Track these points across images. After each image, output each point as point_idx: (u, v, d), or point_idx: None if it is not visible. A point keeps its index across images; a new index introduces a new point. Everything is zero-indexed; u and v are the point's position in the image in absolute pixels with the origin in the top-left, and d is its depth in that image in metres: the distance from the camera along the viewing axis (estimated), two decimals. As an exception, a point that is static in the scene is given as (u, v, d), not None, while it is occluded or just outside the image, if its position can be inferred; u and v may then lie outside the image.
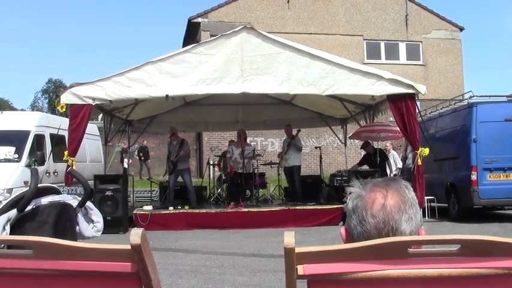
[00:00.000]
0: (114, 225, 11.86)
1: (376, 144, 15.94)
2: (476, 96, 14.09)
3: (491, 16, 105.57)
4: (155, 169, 26.58)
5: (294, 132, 15.37)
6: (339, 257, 1.43)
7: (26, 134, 13.56)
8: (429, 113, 16.79)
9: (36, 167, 11.87)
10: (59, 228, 3.21)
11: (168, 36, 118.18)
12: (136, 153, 27.98)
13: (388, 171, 15.80)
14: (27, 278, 1.58)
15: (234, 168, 14.65)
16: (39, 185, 3.24)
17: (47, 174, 13.70)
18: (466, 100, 14.49)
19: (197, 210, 13.52)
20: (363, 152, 17.12)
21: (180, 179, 14.86)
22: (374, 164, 14.76)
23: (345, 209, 1.69)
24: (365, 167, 15.45)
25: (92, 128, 17.19)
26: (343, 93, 12.99)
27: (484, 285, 1.44)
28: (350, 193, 1.68)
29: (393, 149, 18.65)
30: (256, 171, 16.04)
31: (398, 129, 13.33)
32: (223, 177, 16.44)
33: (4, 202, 3.20)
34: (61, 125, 13.34)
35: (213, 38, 13.38)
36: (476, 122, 13.20)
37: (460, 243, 1.40)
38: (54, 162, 14.06)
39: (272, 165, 17.82)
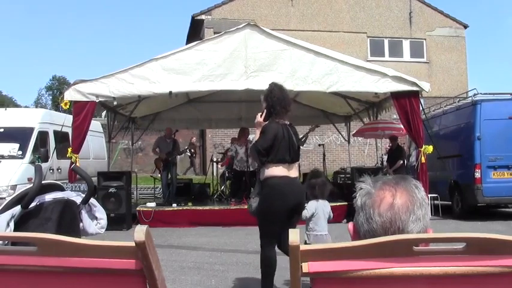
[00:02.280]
0: (118, 222, 11.88)
1: (379, 142, 15.93)
2: (481, 93, 14.06)
3: (496, 14, 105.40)
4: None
5: (305, 129, 15.24)
6: (343, 255, 1.43)
7: (29, 130, 13.57)
8: (433, 111, 16.76)
9: (39, 163, 11.88)
10: (63, 225, 3.21)
11: (171, 33, 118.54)
12: (188, 150, 27.94)
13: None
14: (31, 274, 1.58)
15: (236, 167, 14.68)
16: (42, 182, 3.24)
17: (51, 171, 13.70)
18: (470, 98, 14.48)
19: (200, 207, 13.52)
20: (366, 150, 17.16)
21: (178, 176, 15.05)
22: (393, 158, 14.88)
23: (354, 204, 1.69)
24: (368, 165, 15.45)
25: (96, 125, 17.19)
26: (347, 90, 12.98)
27: (489, 284, 1.44)
28: (360, 189, 1.67)
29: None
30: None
31: (402, 126, 13.31)
32: (227, 175, 16.43)
33: (8, 199, 3.20)
34: (65, 121, 13.36)
35: (216, 35, 13.37)
36: (480, 119, 13.18)
37: (466, 242, 1.39)
38: (57, 159, 14.06)
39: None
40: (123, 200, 12.60)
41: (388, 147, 16.16)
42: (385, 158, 18.32)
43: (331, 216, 6.38)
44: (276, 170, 5.61)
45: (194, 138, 27.64)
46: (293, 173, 5.77)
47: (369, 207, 1.61)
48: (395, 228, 1.56)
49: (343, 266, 1.43)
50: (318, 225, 6.09)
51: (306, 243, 5.99)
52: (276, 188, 5.61)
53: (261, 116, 5.80)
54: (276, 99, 5.79)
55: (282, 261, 7.32)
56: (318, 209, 6.08)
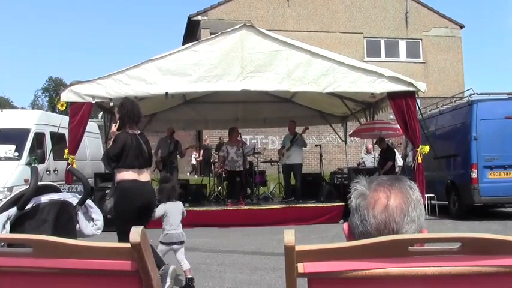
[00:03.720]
0: (115, 223, 11.83)
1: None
2: (477, 93, 14.04)
3: (492, 14, 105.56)
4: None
5: (300, 130, 15.24)
6: (339, 255, 1.43)
7: (26, 132, 13.54)
8: (429, 111, 16.77)
9: (36, 165, 11.86)
10: (59, 227, 3.21)
11: (167, 34, 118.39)
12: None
13: (397, 169, 15.85)
14: (27, 276, 1.58)
15: (227, 167, 14.63)
16: (39, 183, 3.24)
17: (47, 172, 13.68)
18: (467, 98, 14.46)
19: (197, 208, 13.49)
20: (363, 150, 17.23)
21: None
22: (384, 160, 14.87)
23: (349, 205, 1.68)
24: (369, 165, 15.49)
25: (92, 126, 17.17)
26: (343, 90, 12.98)
27: (484, 284, 1.44)
28: (355, 189, 1.66)
29: (393, 147, 18.72)
30: (256, 169, 16.04)
31: (399, 126, 13.33)
32: (224, 175, 16.42)
33: (4, 200, 3.20)
34: (61, 123, 13.34)
35: (212, 35, 13.37)
36: (477, 119, 13.18)
37: (461, 242, 1.39)
38: (54, 160, 14.03)
39: (272, 163, 17.81)
40: (120, 201, 12.56)
41: (380, 151, 16.14)
42: (365, 158, 18.39)
43: (185, 215, 7.02)
44: (126, 175, 6.23)
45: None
46: (144, 177, 6.38)
47: (363, 209, 1.60)
48: (390, 230, 1.55)
49: (338, 266, 1.43)
50: (169, 224, 6.70)
51: (160, 241, 6.67)
52: (126, 190, 6.25)
53: (114, 126, 6.63)
54: (126, 112, 6.49)
55: (280, 262, 7.32)
56: (168, 210, 6.70)
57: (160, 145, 15.02)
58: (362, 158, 18.71)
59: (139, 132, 6.66)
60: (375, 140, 16.75)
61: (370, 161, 17.83)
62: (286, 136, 15.60)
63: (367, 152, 18.88)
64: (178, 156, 15.40)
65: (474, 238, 1.38)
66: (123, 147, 6.27)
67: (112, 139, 6.54)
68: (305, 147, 15.36)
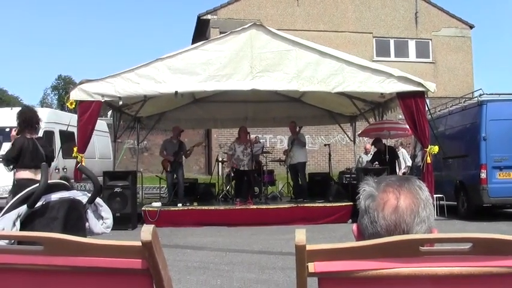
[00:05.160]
0: (123, 221, 11.85)
1: (385, 142, 15.90)
2: (486, 94, 14.00)
3: (502, 14, 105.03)
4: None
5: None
6: (350, 255, 1.42)
7: (35, 130, 13.58)
8: (438, 111, 16.72)
9: (45, 163, 11.91)
10: (69, 225, 3.22)
11: (177, 33, 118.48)
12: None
13: (397, 169, 15.74)
14: (37, 274, 1.59)
15: (236, 166, 14.67)
16: (48, 181, 3.25)
17: (56, 170, 13.72)
18: (476, 98, 14.41)
19: (206, 207, 13.51)
20: (372, 150, 17.17)
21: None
22: (383, 161, 14.73)
23: (358, 206, 1.67)
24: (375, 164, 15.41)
25: (101, 124, 17.20)
26: (352, 90, 12.97)
27: (495, 284, 1.44)
28: (364, 190, 1.66)
29: (402, 147, 18.65)
30: (265, 168, 16.03)
31: (408, 126, 13.29)
32: (232, 174, 16.43)
33: (14, 198, 3.21)
34: (70, 121, 13.38)
35: (222, 35, 13.38)
36: (486, 120, 13.13)
37: (472, 242, 1.39)
38: (63, 158, 14.08)
39: (281, 163, 17.82)
40: (129, 200, 12.61)
41: (375, 151, 16.03)
42: (364, 158, 18.27)
43: None
44: (23, 174, 6.94)
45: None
46: (39, 176, 6.84)
47: (372, 210, 1.59)
48: (400, 231, 1.54)
49: (349, 266, 1.42)
50: None
51: None
52: (22, 188, 6.82)
53: (15, 131, 7.39)
54: (24, 119, 7.30)
55: (289, 262, 7.32)
56: None
57: (166, 146, 15.04)
58: (362, 158, 18.63)
59: (36, 136, 7.45)
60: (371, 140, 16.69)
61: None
62: (289, 137, 15.71)
63: (366, 152, 18.81)
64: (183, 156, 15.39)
65: (485, 239, 1.38)
66: (20, 150, 7.02)
67: (12, 142, 7.32)
68: (303, 146, 15.35)
